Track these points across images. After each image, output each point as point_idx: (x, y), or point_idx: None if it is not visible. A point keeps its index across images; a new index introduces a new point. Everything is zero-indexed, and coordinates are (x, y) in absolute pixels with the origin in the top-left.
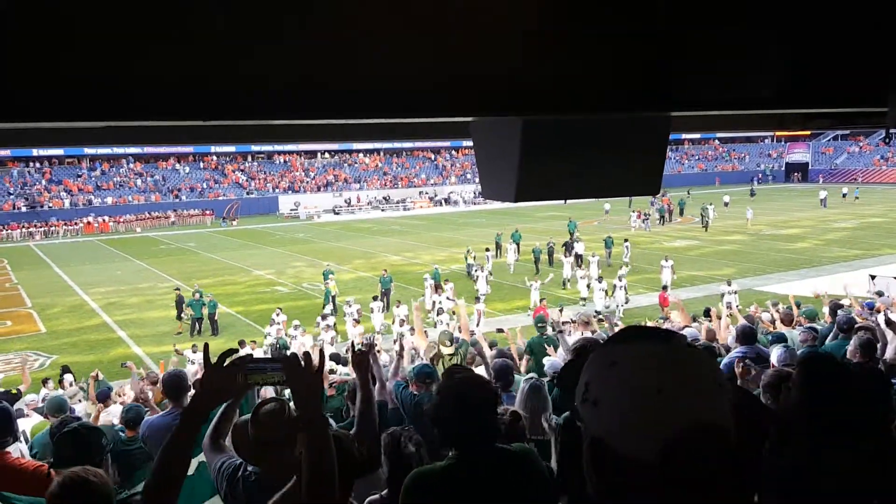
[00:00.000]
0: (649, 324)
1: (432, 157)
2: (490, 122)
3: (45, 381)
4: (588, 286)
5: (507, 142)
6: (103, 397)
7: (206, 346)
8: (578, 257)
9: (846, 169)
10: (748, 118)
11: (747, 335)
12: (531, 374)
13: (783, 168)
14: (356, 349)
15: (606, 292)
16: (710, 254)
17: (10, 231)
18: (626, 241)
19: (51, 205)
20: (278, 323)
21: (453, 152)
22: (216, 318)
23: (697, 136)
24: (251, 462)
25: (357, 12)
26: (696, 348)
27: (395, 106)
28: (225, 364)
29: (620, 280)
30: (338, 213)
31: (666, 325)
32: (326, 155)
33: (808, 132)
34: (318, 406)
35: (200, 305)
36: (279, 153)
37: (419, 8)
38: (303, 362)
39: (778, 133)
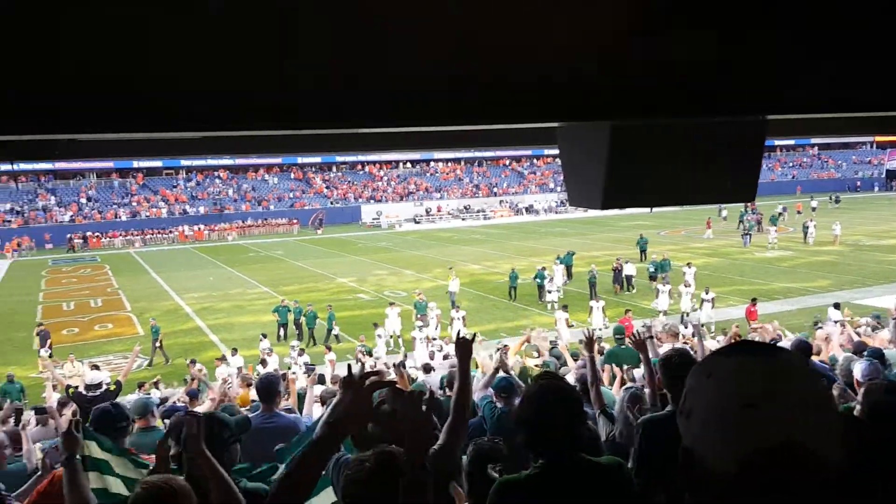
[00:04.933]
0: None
1: (508, 163)
2: (577, 128)
3: (140, 385)
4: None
5: (594, 147)
6: (193, 396)
7: (349, 367)
8: (628, 279)
9: None
10: (847, 122)
11: None
12: (630, 384)
13: (884, 175)
14: (460, 337)
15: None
16: (804, 265)
17: (111, 239)
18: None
19: (148, 214)
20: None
21: (534, 161)
22: (302, 322)
23: (791, 142)
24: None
25: (431, 10)
26: (805, 367)
27: (476, 112)
28: (365, 385)
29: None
30: (418, 223)
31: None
32: (408, 164)
33: None
34: (423, 453)
35: (286, 312)
36: (362, 163)
37: (499, 8)
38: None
39: (878, 139)
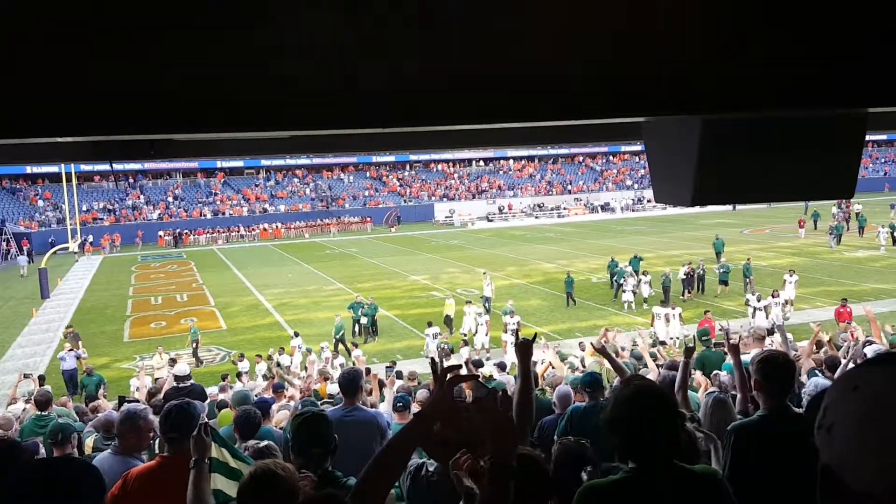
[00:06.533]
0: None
1: (583, 160)
2: (665, 123)
3: (224, 377)
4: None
5: (683, 143)
6: (278, 389)
7: (433, 361)
8: (693, 281)
9: None
10: None
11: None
12: (713, 389)
13: None
14: (521, 339)
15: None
16: None
17: (197, 236)
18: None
19: (232, 212)
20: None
21: (610, 157)
22: (376, 319)
23: (883, 136)
24: (435, 459)
25: (520, 7)
26: None
27: (560, 109)
28: (448, 379)
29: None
30: (491, 221)
31: (846, 341)
32: (480, 163)
33: None
34: (511, 453)
35: (360, 308)
36: (435, 161)
37: (589, 3)
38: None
39: None
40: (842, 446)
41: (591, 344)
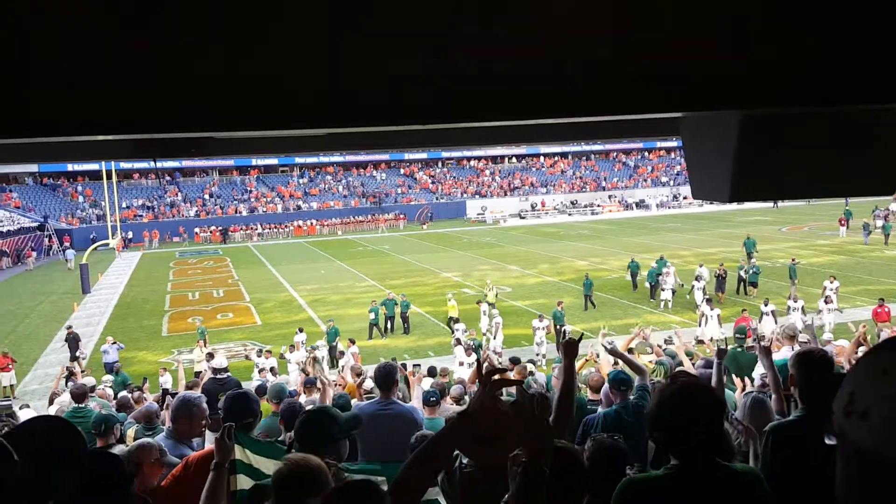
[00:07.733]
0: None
1: (615, 155)
2: (703, 118)
3: (260, 371)
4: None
5: (721, 138)
6: (309, 384)
7: (479, 362)
8: (740, 280)
9: None
10: None
11: None
12: (750, 389)
13: None
14: (567, 338)
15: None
16: None
17: (232, 233)
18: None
19: (265, 209)
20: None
21: (646, 154)
22: (408, 316)
23: None
24: (467, 455)
25: (550, 4)
26: None
27: (596, 104)
28: (493, 381)
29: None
30: (524, 218)
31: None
32: (513, 160)
33: None
34: (548, 457)
35: (393, 305)
36: (467, 158)
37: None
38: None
39: None
40: (883, 429)
41: (603, 345)
